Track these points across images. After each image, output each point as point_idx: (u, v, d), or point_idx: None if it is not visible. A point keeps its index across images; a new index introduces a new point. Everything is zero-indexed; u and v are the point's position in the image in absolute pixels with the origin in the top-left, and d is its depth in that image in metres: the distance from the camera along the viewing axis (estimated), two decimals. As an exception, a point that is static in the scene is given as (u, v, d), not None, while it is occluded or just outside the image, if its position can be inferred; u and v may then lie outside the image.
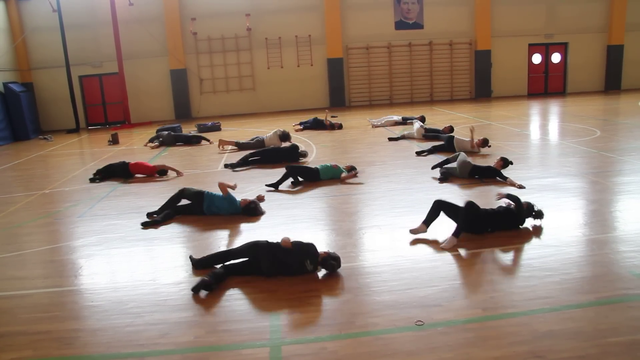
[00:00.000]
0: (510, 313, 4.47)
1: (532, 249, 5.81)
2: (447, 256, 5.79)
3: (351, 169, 9.66)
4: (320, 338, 4.23)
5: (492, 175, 8.89)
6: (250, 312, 4.76)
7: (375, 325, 4.39)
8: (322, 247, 6.21)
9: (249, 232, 6.93)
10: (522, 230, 6.47)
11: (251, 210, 7.64)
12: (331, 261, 5.37)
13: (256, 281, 5.38)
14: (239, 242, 6.56)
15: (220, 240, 6.73)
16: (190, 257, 5.88)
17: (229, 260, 5.64)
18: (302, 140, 14.18)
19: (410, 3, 23.19)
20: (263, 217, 7.59)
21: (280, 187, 9.19)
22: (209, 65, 22.67)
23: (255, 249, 5.55)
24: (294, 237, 6.40)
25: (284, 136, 12.93)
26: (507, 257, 5.71)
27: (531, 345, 3.95)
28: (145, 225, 7.41)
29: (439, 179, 9.06)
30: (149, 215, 7.77)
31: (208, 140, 14.97)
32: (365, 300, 4.85)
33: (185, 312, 4.82)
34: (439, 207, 6.51)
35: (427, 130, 13.61)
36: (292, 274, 5.41)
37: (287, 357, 4.00)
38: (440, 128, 13.72)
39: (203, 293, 5.14)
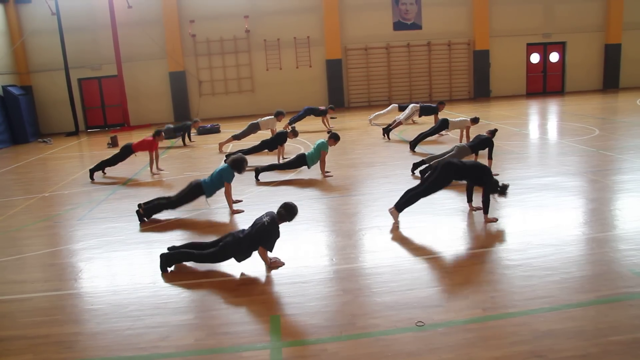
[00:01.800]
0: (510, 313, 4.47)
1: (532, 248, 5.81)
2: (447, 257, 5.79)
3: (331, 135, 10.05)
4: (321, 340, 4.23)
5: (488, 144, 9.15)
6: (250, 314, 4.76)
7: (375, 326, 4.38)
8: (321, 249, 6.23)
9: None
10: (521, 229, 6.48)
11: (237, 165, 7.78)
12: (279, 209, 5.68)
13: (255, 283, 5.39)
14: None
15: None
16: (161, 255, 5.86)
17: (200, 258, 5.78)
18: (302, 141, 14.17)
19: (409, 4, 23.21)
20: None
21: (279, 189, 9.19)
22: (207, 67, 22.68)
23: (225, 247, 5.64)
24: (292, 240, 6.41)
25: (279, 113, 14.31)
26: (506, 257, 5.70)
27: (532, 345, 3.94)
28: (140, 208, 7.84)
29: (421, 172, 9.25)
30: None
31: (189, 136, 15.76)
32: (365, 302, 4.85)
33: (185, 314, 4.82)
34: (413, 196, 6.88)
35: (422, 108, 13.83)
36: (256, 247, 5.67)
37: (287, 359, 4.00)
38: (435, 105, 14.02)
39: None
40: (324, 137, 10.30)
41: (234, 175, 7.89)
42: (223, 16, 22.20)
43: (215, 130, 17.82)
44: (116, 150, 15.05)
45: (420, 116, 13.95)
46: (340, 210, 7.90)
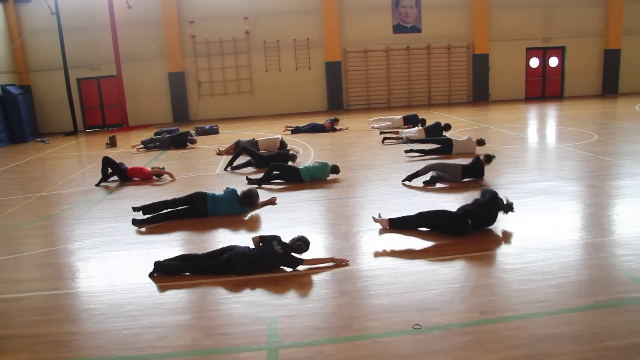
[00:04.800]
0: (507, 317, 4.47)
1: (529, 253, 5.81)
2: (445, 260, 5.79)
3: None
4: (318, 341, 4.23)
5: (480, 170, 8.97)
6: (247, 315, 4.75)
7: (372, 328, 4.39)
8: (318, 251, 6.22)
9: (247, 235, 6.91)
10: (519, 233, 6.48)
11: (248, 198, 7.70)
12: (297, 242, 5.63)
13: (253, 284, 5.38)
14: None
15: (217, 244, 6.70)
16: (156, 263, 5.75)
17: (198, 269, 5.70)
18: (301, 143, 14.19)
19: (409, 7, 23.25)
20: (261, 221, 7.58)
21: (277, 190, 9.18)
22: (207, 68, 22.68)
23: (230, 259, 5.60)
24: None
25: (283, 144, 12.86)
26: (504, 261, 5.71)
27: (528, 349, 3.95)
28: (136, 210, 7.83)
29: (426, 183, 9.04)
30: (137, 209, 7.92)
31: (193, 141, 15.11)
32: (362, 304, 4.85)
33: (182, 315, 4.81)
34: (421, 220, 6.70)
35: (427, 131, 13.60)
36: (266, 269, 5.62)
37: (284, 361, 4.00)
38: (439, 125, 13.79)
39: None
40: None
41: (242, 211, 7.85)
42: (223, 17, 22.21)
43: (213, 131, 17.81)
44: (115, 151, 15.18)
45: (427, 137, 13.29)
46: (338, 213, 7.90)
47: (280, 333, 4.38)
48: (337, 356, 4.02)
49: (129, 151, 15.00)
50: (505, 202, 6.63)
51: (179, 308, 4.96)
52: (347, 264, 5.70)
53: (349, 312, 4.69)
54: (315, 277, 5.45)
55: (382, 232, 6.75)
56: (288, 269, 5.63)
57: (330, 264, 5.70)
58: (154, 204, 7.92)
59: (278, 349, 4.15)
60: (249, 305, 4.93)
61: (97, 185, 10.39)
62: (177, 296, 5.21)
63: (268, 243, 5.74)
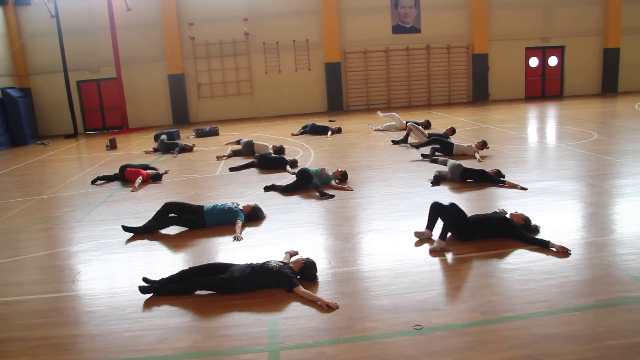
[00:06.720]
0: (508, 316, 4.47)
1: (530, 252, 5.81)
2: (446, 260, 5.79)
3: (342, 175, 9.52)
4: (319, 343, 4.22)
5: (485, 179, 8.86)
6: (248, 317, 4.75)
7: (373, 329, 4.39)
8: (319, 252, 6.21)
9: (248, 236, 6.92)
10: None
11: (254, 216, 7.56)
12: (311, 271, 5.38)
13: (254, 286, 5.37)
14: (236, 246, 6.57)
15: (218, 245, 6.71)
16: (144, 280, 5.46)
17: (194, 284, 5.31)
18: (301, 144, 14.18)
19: (408, 7, 23.26)
20: (263, 222, 7.57)
21: (274, 193, 9.18)
22: (206, 70, 22.69)
23: (232, 278, 5.23)
24: (290, 243, 6.41)
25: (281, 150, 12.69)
26: (505, 261, 5.70)
27: (530, 349, 3.95)
28: (126, 230, 7.29)
29: (431, 183, 9.04)
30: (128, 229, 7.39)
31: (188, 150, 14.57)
32: (363, 305, 4.84)
33: (183, 317, 4.81)
34: (435, 210, 6.47)
35: (430, 135, 13.48)
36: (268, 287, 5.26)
37: (285, 362, 4.00)
38: (442, 132, 13.69)
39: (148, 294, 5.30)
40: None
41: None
42: (222, 19, 22.22)
43: (213, 132, 17.80)
44: (115, 153, 15.19)
45: (428, 142, 12.70)
46: (339, 214, 7.89)
47: (282, 334, 4.38)
48: (339, 357, 4.02)
49: (129, 153, 15.01)
50: (531, 224, 6.40)
51: (180, 310, 4.95)
52: (336, 307, 4.82)
53: (350, 313, 4.68)
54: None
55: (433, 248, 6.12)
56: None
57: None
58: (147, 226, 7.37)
59: (279, 350, 4.15)
60: (250, 307, 4.92)
61: (92, 182, 10.73)
62: (178, 298, 5.20)
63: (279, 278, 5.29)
